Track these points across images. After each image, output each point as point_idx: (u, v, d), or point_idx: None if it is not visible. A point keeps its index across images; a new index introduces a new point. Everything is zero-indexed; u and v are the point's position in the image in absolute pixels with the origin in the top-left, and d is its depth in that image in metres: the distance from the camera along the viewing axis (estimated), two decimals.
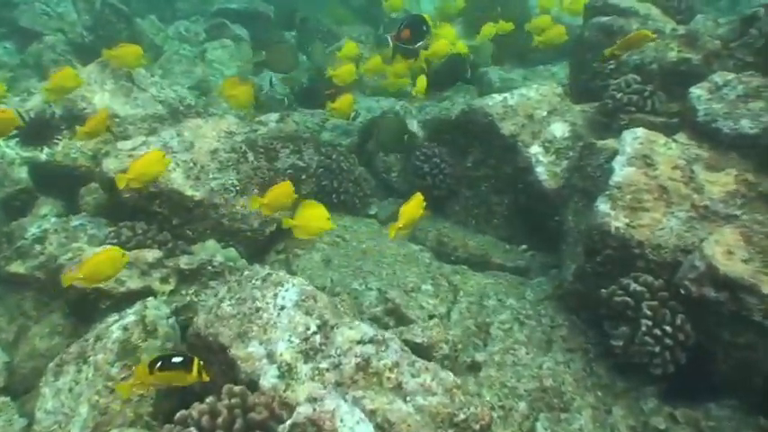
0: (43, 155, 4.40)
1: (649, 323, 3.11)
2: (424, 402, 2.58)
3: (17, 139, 4.50)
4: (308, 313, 2.84)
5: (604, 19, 5.19)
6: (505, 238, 4.88)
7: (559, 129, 4.65)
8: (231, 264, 3.97)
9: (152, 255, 3.66)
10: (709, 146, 3.67)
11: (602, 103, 4.56)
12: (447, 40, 5.51)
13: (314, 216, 3.42)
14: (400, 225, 3.45)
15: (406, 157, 5.48)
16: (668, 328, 3.08)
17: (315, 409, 2.31)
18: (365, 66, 5.98)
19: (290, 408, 2.47)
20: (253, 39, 7.98)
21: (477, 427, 2.58)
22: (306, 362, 2.71)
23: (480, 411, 2.60)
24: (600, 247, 3.45)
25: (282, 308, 2.87)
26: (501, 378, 3.41)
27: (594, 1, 5.40)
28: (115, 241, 3.79)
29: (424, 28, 4.70)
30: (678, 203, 3.37)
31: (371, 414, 2.50)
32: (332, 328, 2.80)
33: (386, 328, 3.68)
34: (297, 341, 2.76)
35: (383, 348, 2.74)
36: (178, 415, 2.51)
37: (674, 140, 3.74)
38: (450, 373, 2.71)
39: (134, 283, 3.52)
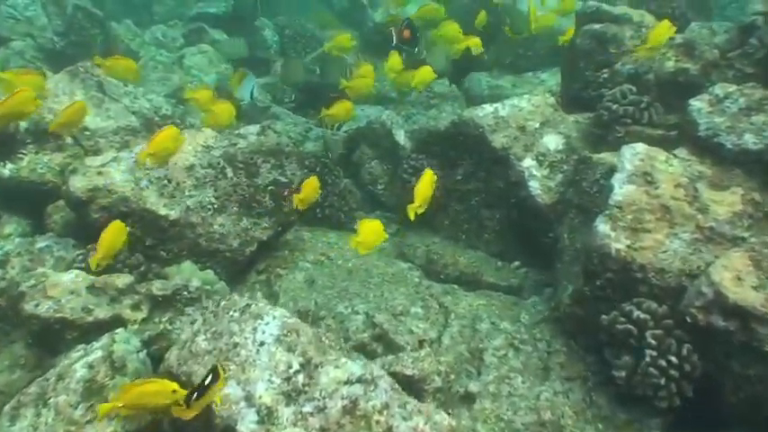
0: (6, 170, 4.12)
1: (654, 353, 2.93)
2: None
3: None
4: (290, 350, 2.62)
5: (597, 26, 5.01)
6: (497, 254, 4.68)
7: (553, 141, 4.47)
8: (208, 287, 3.73)
9: (122, 280, 3.41)
10: (712, 161, 3.51)
11: (596, 115, 4.39)
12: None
13: (373, 231, 3.57)
14: (417, 205, 3.58)
15: (394, 170, 5.28)
16: (674, 359, 2.90)
17: None
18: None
19: None
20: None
21: None
22: (288, 404, 2.48)
23: None
24: (600, 270, 3.26)
25: (262, 344, 2.64)
26: (496, 411, 3.21)
27: (586, 7, 5.23)
28: (83, 265, 3.54)
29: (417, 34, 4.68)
30: (682, 224, 3.20)
31: None
32: (316, 366, 2.58)
33: (373, 355, 3.48)
34: (278, 381, 2.54)
35: (372, 388, 2.52)
36: None
37: (675, 156, 3.57)
38: (446, 416, 2.51)
39: (103, 312, 3.28)
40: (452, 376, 3.33)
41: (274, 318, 2.74)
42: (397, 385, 2.63)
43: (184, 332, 2.86)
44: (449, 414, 2.69)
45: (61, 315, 3.20)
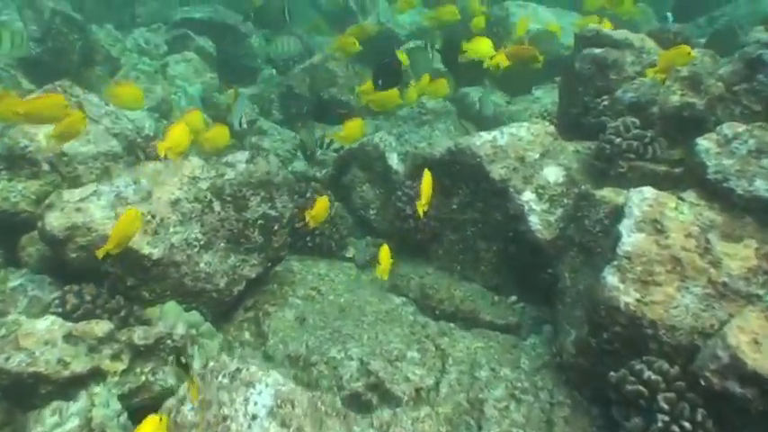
0: None
1: (666, 419, 2.79)
2: None
3: None
4: (284, 424, 2.44)
5: (597, 51, 4.86)
6: (493, 287, 4.53)
7: (553, 173, 4.32)
8: (194, 331, 3.54)
9: (102, 328, 3.19)
10: (721, 207, 3.37)
11: (598, 147, 4.24)
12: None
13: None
14: (424, 203, 3.68)
15: (387, 194, 5.10)
16: (687, 425, 2.76)
17: None
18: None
19: None
20: (219, 52, 7.47)
21: None
22: None
23: None
24: (607, 324, 3.12)
25: (254, 417, 2.46)
26: None
27: (586, 31, 5.07)
28: (60, 310, 3.33)
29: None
30: (693, 278, 3.06)
31: None
32: None
33: (368, 406, 3.32)
34: None
35: None
36: None
37: (683, 199, 3.43)
38: None
39: (80, 365, 3.06)
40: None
41: (267, 386, 2.56)
42: None
43: (168, 400, 2.66)
44: None
45: (35, 369, 2.98)
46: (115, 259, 3.50)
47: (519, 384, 3.52)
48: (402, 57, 5.89)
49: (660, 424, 2.80)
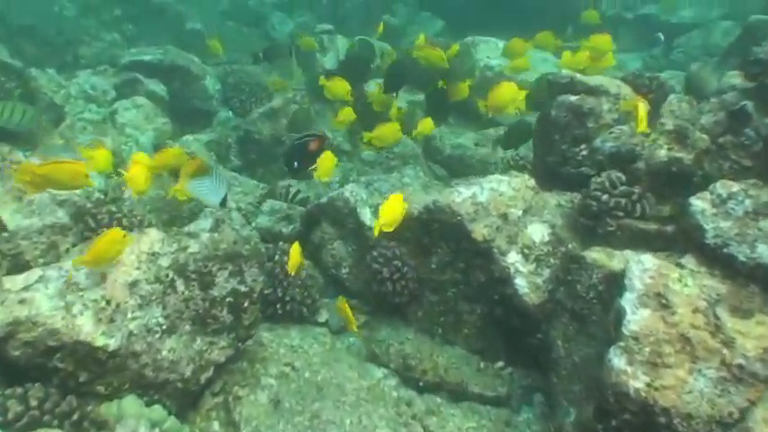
0: None
1: None
2: None
3: None
4: None
5: (573, 98, 4.71)
6: (478, 351, 4.27)
7: (538, 232, 4.11)
8: (157, 430, 3.15)
9: None
10: (724, 274, 3.21)
11: (584, 204, 4.06)
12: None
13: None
14: (383, 223, 3.78)
15: (359, 251, 4.80)
16: None
17: None
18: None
19: None
20: (171, 96, 7.08)
21: None
22: None
23: None
24: (616, 410, 2.89)
25: None
26: None
27: (560, 77, 4.94)
28: (0, 419, 2.90)
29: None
30: (705, 359, 2.86)
31: None
32: None
33: None
34: None
35: None
36: None
37: (682, 266, 3.26)
38: None
39: None
40: None
41: None
42: None
43: None
44: None
45: None
46: (65, 354, 3.11)
47: None
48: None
49: None
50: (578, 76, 4.86)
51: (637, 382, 2.84)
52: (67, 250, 3.82)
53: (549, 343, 3.78)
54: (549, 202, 4.36)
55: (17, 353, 3.06)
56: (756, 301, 3.02)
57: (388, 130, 4.96)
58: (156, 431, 3.14)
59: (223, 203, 3.50)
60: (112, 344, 3.20)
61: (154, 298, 3.40)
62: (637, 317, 2.98)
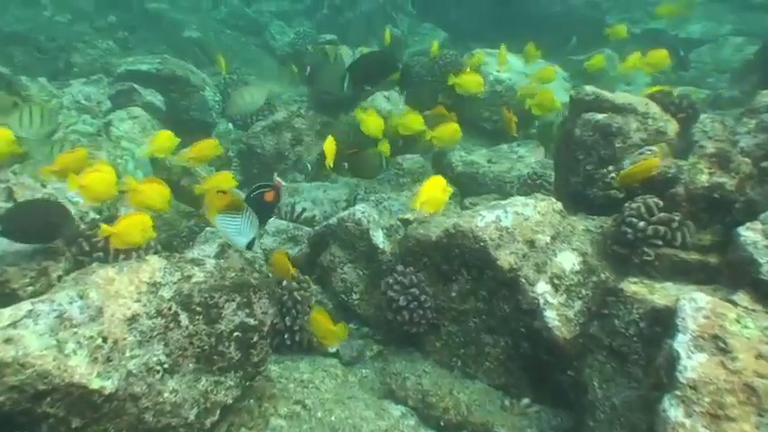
0: None
1: None
2: None
3: None
4: None
5: (600, 117, 4.47)
6: (500, 386, 3.98)
7: (568, 260, 3.84)
8: None
9: None
10: None
11: (618, 231, 3.78)
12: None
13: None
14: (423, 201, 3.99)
15: (372, 275, 4.51)
16: None
17: None
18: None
19: None
20: (169, 107, 6.77)
21: None
22: None
23: None
24: None
25: None
26: None
27: (583, 93, 4.68)
28: None
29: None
30: None
31: None
32: None
33: None
34: None
35: None
36: None
37: (735, 304, 2.99)
38: None
39: None
40: None
41: None
42: None
43: None
44: None
45: None
46: (57, 398, 2.78)
47: None
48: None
49: None
50: (604, 93, 4.61)
51: None
52: (59, 277, 3.51)
53: (582, 382, 3.48)
54: (576, 228, 4.09)
55: (1, 398, 2.73)
56: None
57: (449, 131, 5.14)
58: None
59: (250, 246, 3.18)
60: (109, 386, 2.88)
61: (155, 334, 3.08)
62: (693, 362, 2.69)
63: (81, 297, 3.00)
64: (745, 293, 3.05)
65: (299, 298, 4.12)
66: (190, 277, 3.30)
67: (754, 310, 2.95)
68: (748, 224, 3.26)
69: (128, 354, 2.98)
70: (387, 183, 5.99)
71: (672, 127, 4.46)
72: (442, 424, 3.72)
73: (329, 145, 4.88)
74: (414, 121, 5.46)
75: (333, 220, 4.67)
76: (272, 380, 3.80)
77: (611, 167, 4.35)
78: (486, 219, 3.96)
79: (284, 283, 4.15)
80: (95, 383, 2.84)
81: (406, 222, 5.00)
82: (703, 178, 3.69)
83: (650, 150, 4.27)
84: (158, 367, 3.04)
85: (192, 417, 3.10)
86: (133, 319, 3.04)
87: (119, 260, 3.76)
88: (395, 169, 6.05)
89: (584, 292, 3.75)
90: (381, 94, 7.32)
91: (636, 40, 10.31)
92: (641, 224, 3.65)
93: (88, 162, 3.94)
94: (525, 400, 3.87)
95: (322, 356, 4.23)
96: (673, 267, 3.58)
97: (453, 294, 4.10)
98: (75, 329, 2.90)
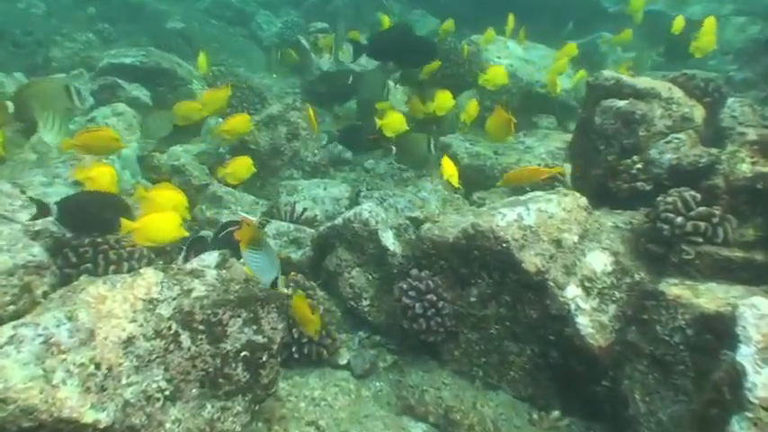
0: None
1: None
2: None
3: None
4: None
5: (621, 104, 4.18)
6: (526, 398, 3.71)
7: (599, 260, 3.55)
8: None
9: None
10: None
11: (652, 228, 3.50)
12: None
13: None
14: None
15: (382, 279, 4.20)
16: None
17: None
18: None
19: None
20: (155, 102, 6.39)
21: None
22: None
23: None
24: None
25: None
26: None
27: (602, 79, 4.39)
28: None
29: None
30: None
31: None
32: None
33: None
34: None
35: None
36: None
37: None
38: None
39: None
40: None
41: None
42: None
43: None
44: None
45: None
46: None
47: None
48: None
49: None
50: (624, 77, 4.32)
51: None
52: (45, 294, 3.16)
53: (621, 394, 3.21)
54: (604, 225, 3.80)
55: None
56: None
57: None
58: None
59: (273, 285, 2.87)
60: (104, 419, 2.55)
61: (154, 357, 2.75)
62: (763, 378, 2.42)
63: (69, 318, 2.66)
64: None
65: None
66: (190, 291, 2.97)
67: None
68: None
69: (124, 381, 2.65)
70: (390, 178, 5.67)
71: (698, 113, 4.18)
72: None
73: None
74: (446, 100, 5.48)
75: (338, 221, 4.35)
76: (282, 399, 3.49)
77: (635, 157, 4.07)
78: (507, 217, 3.66)
79: (290, 291, 3.83)
80: (89, 416, 2.52)
81: (415, 221, 4.70)
82: (745, 168, 3.42)
83: (677, 138, 3.99)
84: (159, 394, 2.72)
85: None
86: (129, 341, 2.71)
87: (110, 273, 3.42)
88: (398, 163, 5.74)
89: (617, 295, 3.47)
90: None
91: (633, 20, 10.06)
92: (679, 220, 3.36)
93: (114, 142, 4.15)
94: (555, 413, 3.59)
95: (332, 369, 3.92)
96: (714, 266, 3.31)
97: (473, 299, 3.80)
98: (64, 356, 2.57)
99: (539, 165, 5.51)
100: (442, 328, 3.79)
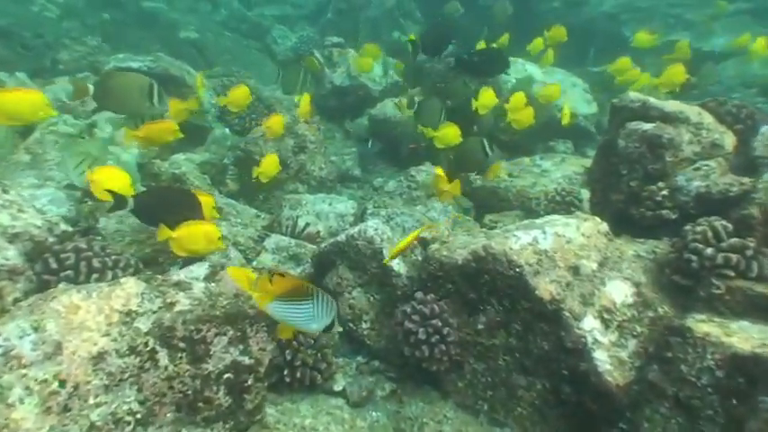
0: None
1: None
2: None
3: None
4: None
5: (648, 127, 3.94)
6: None
7: (619, 291, 3.28)
8: None
9: None
10: None
11: (680, 259, 3.23)
12: None
13: None
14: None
15: (384, 301, 3.93)
16: None
17: None
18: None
19: None
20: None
21: None
22: None
23: None
24: None
25: None
26: None
27: (627, 100, 4.16)
28: None
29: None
30: None
31: None
32: None
33: None
34: None
35: None
36: None
37: None
38: None
39: None
40: None
41: None
42: None
43: None
44: None
45: None
46: None
47: None
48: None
49: None
50: (651, 99, 4.08)
51: None
52: (15, 300, 2.92)
53: None
54: (625, 253, 3.53)
55: None
56: None
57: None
58: None
59: (328, 330, 2.49)
60: None
61: (126, 376, 2.50)
62: None
63: (35, 329, 2.42)
64: None
65: None
66: (173, 305, 2.72)
67: None
68: None
69: (91, 401, 2.40)
70: (399, 196, 5.43)
71: (729, 140, 3.93)
72: None
73: None
74: (489, 98, 5.42)
75: (341, 238, 4.10)
76: (269, 426, 3.20)
77: (660, 184, 3.82)
78: (521, 240, 3.40)
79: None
80: None
81: (422, 242, 4.44)
82: None
83: (707, 165, 3.74)
84: (129, 417, 2.46)
85: None
86: (100, 357, 2.47)
87: (92, 281, 3.18)
88: (407, 181, 5.51)
89: (638, 329, 3.18)
90: (390, 101, 6.81)
91: (657, 50, 9.86)
92: (709, 251, 3.09)
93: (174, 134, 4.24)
94: None
95: (326, 395, 3.64)
96: (747, 303, 3.02)
97: (480, 327, 3.53)
98: (25, 371, 2.32)
99: (555, 188, 5.25)
100: (446, 356, 3.51)
